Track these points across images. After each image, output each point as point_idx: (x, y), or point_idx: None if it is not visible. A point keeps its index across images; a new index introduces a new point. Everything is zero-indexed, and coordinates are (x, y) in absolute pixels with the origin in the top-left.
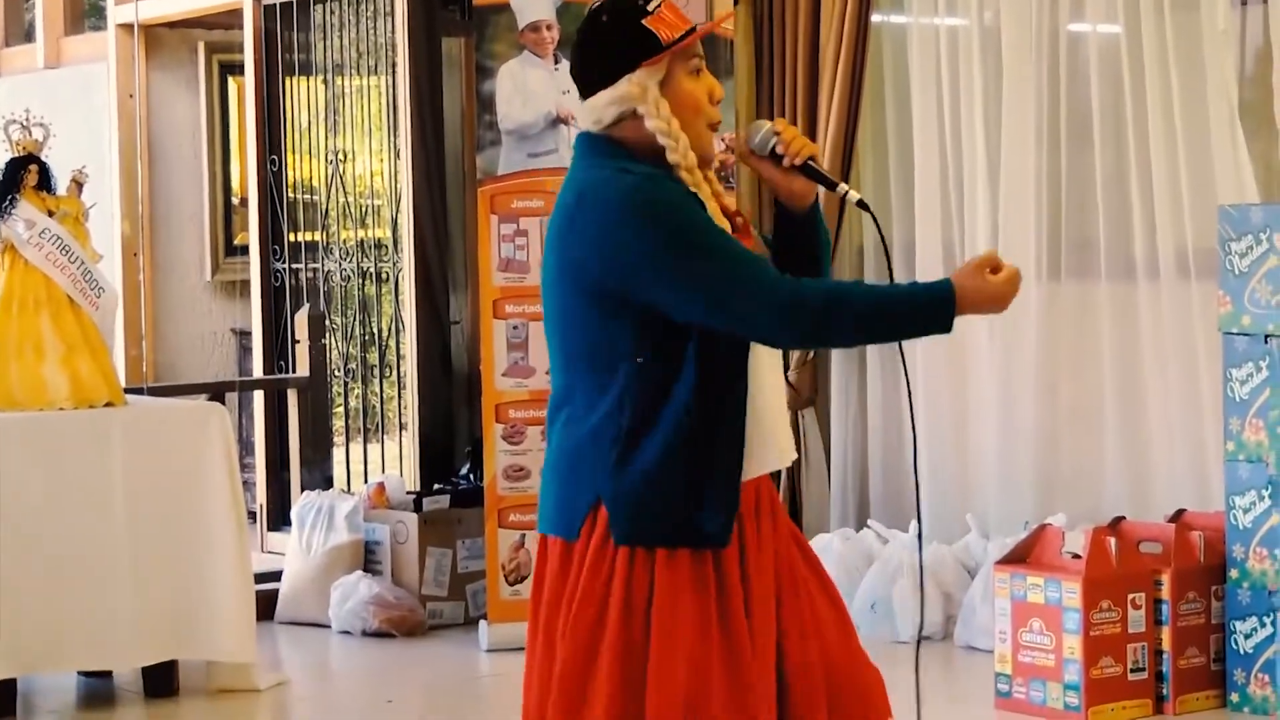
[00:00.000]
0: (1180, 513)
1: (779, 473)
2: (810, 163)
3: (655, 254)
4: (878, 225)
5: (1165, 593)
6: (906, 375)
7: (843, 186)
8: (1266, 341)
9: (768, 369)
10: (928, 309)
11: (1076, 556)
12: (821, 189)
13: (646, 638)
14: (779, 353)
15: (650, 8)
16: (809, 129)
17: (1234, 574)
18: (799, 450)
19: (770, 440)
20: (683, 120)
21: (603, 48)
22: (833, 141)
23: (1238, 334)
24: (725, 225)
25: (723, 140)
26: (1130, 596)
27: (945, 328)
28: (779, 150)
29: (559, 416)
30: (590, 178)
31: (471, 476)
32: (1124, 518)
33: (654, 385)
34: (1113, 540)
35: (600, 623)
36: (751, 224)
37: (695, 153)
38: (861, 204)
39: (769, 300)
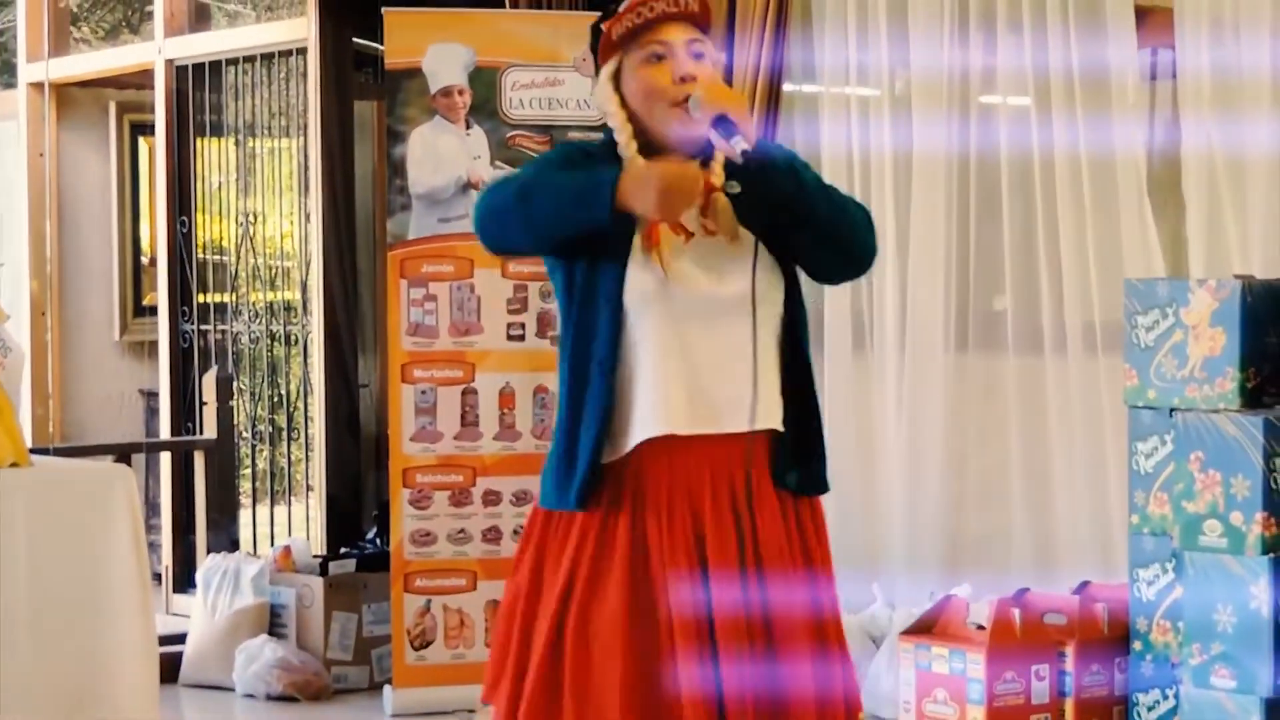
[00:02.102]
0: (1085, 584)
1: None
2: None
3: None
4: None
5: (1069, 664)
6: None
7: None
8: (1171, 415)
9: (672, 333)
10: (590, 190)
11: (981, 627)
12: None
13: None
14: (723, 323)
15: (619, 9)
16: None
17: (1137, 646)
18: None
19: (663, 406)
20: (640, 107)
21: (591, 54)
22: None
23: (1143, 407)
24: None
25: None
26: (1034, 668)
27: (602, 213)
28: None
29: None
30: None
31: (378, 541)
32: (1029, 589)
33: (564, 359)
34: (1017, 611)
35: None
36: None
37: (657, 133)
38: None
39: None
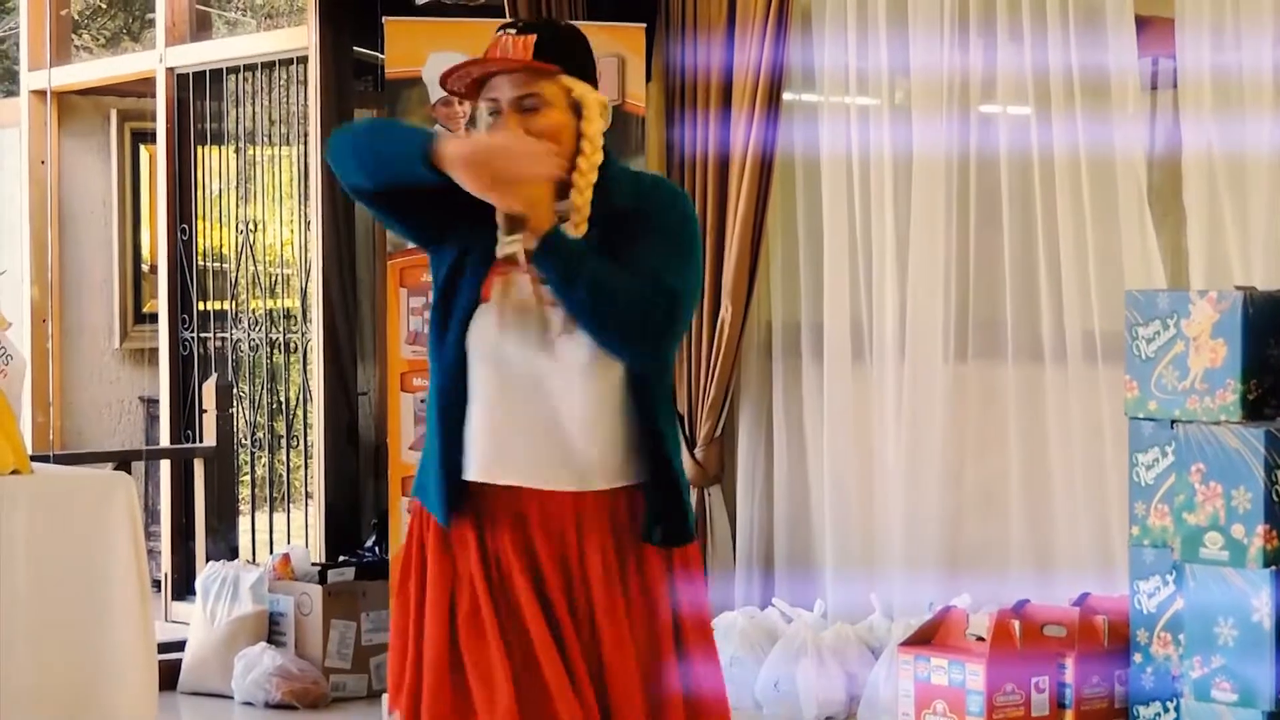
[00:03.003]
0: (1085, 596)
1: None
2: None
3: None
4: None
5: (1069, 676)
6: None
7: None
8: (1172, 427)
9: (502, 386)
10: (417, 138)
11: (980, 639)
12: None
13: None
14: (553, 381)
15: (454, 67)
16: (719, 206)
17: (1138, 658)
18: (704, 526)
19: (491, 454)
20: None
21: None
22: (742, 219)
23: (1144, 419)
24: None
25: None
26: (1034, 679)
27: (415, 163)
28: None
29: None
30: None
31: (377, 549)
32: (1029, 600)
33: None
34: (1017, 623)
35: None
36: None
37: None
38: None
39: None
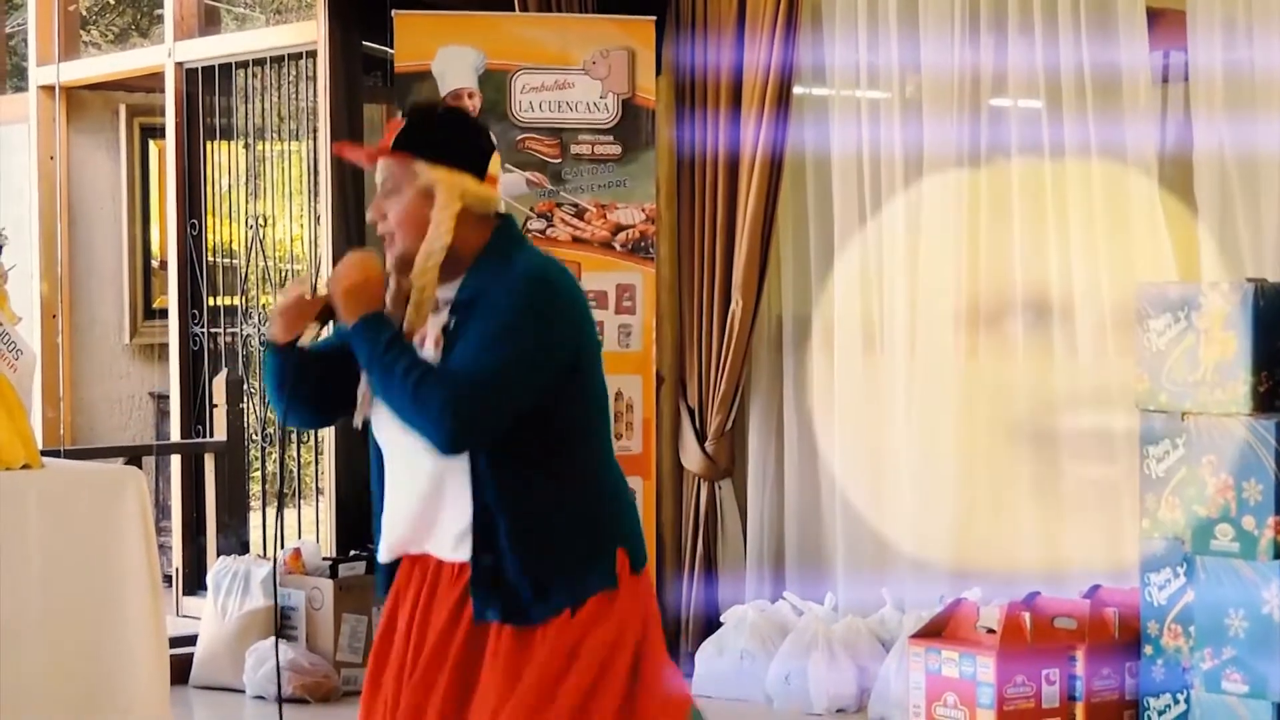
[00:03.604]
0: (1095, 589)
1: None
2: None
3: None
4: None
5: (1079, 668)
6: None
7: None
8: (1183, 419)
9: (402, 466)
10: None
11: (991, 631)
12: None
13: None
14: (413, 458)
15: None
16: (729, 201)
17: (1148, 650)
18: (715, 520)
19: (388, 529)
20: None
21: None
22: (753, 214)
23: (1155, 411)
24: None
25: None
26: (1044, 672)
27: (374, 341)
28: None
29: None
30: None
31: None
32: (1039, 593)
33: None
34: (1027, 615)
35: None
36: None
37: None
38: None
39: None
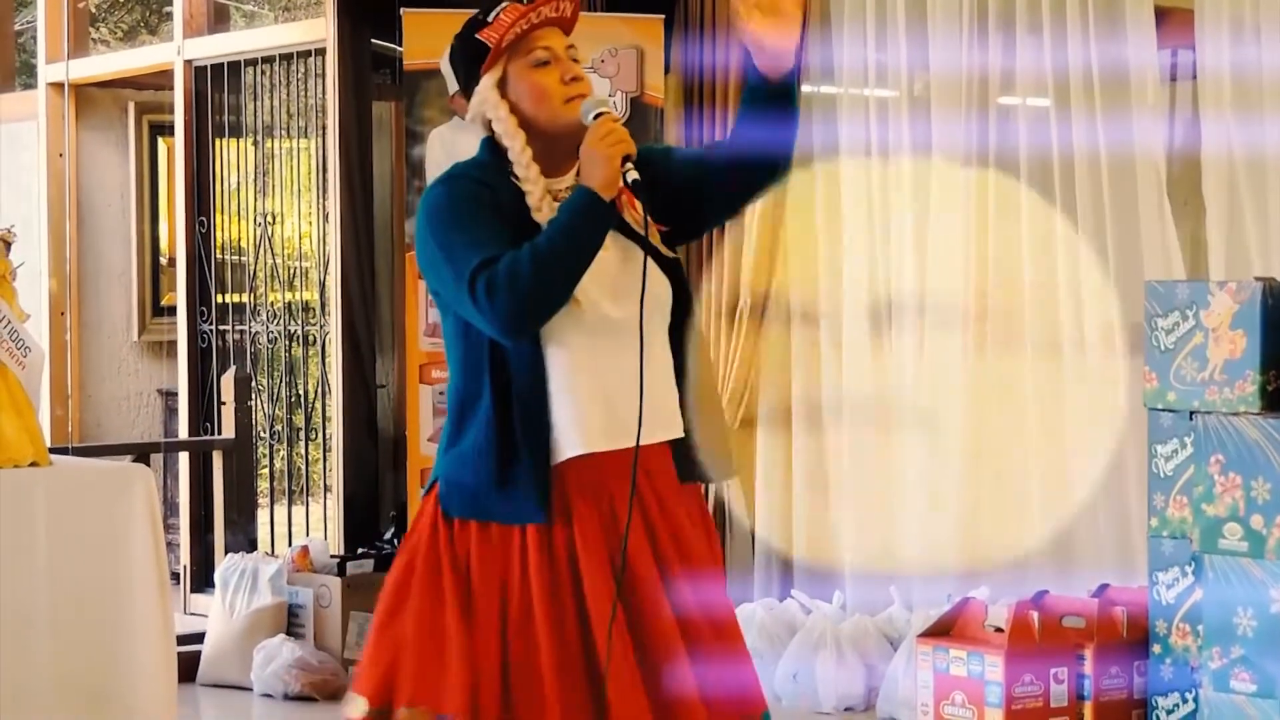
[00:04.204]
0: (1104, 588)
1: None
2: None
3: (424, 255)
4: (646, 204)
5: (1088, 667)
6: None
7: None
8: (1191, 418)
9: (586, 352)
10: (583, 212)
11: (999, 630)
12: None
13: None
14: (618, 335)
15: (489, 19)
16: None
17: (1157, 649)
18: (723, 518)
19: (583, 423)
20: (532, 111)
21: (457, 67)
22: (761, 213)
23: (1162, 410)
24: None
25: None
26: (1053, 670)
27: (602, 210)
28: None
29: None
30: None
31: (395, 541)
32: (1047, 591)
33: (473, 372)
34: (1036, 614)
35: (413, 574)
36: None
37: (554, 132)
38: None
39: (475, 305)
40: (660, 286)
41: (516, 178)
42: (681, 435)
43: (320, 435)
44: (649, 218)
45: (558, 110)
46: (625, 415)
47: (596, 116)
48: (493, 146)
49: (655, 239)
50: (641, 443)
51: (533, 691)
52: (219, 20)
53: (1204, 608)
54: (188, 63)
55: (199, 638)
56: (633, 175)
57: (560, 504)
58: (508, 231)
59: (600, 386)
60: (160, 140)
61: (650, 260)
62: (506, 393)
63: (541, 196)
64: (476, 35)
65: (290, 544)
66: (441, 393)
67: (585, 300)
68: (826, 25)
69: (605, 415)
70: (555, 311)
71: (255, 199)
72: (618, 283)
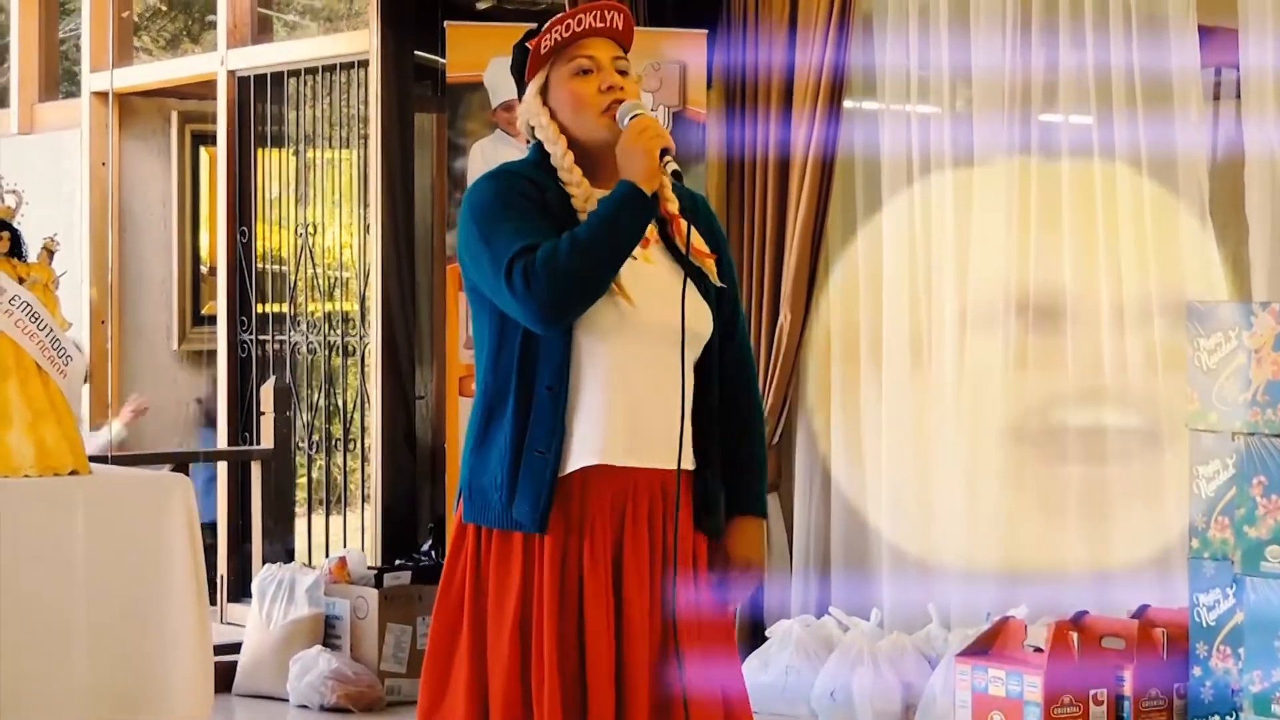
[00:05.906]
0: (1144, 609)
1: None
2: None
3: (466, 245)
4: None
5: (1127, 689)
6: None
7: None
8: (1233, 439)
9: (621, 361)
10: (623, 203)
11: (1038, 650)
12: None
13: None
14: (660, 347)
15: (544, 27)
16: (779, 213)
17: (1197, 671)
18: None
19: (599, 436)
20: (572, 119)
21: (514, 75)
22: (802, 224)
23: (1204, 431)
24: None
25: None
26: (1092, 692)
27: (644, 202)
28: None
29: None
30: None
31: (433, 553)
32: (1087, 612)
33: (503, 371)
34: (1075, 635)
35: (458, 598)
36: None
37: (592, 141)
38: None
39: (511, 291)
40: (697, 314)
41: (562, 181)
42: (693, 468)
43: (359, 446)
44: (690, 233)
45: (594, 119)
46: (648, 433)
47: (633, 118)
48: (541, 150)
49: (698, 258)
50: (656, 466)
51: (540, 705)
52: (262, 31)
53: (1245, 629)
54: (231, 73)
55: (235, 648)
56: (672, 166)
57: (578, 515)
58: (552, 227)
59: (630, 400)
60: (202, 149)
61: (690, 283)
62: (530, 394)
63: (586, 197)
64: (526, 44)
65: (327, 555)
66: None
67: (637, 298)
68: (869, 35)
69: (628, 430)
70: (591, 302)
71: (296, 209)
72: (664, 297)
